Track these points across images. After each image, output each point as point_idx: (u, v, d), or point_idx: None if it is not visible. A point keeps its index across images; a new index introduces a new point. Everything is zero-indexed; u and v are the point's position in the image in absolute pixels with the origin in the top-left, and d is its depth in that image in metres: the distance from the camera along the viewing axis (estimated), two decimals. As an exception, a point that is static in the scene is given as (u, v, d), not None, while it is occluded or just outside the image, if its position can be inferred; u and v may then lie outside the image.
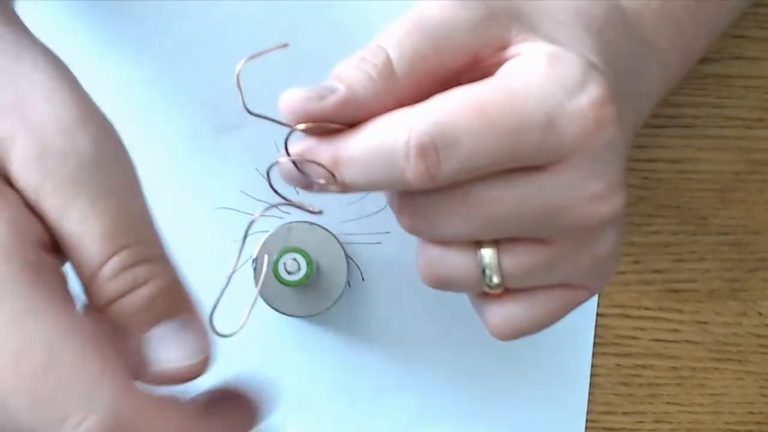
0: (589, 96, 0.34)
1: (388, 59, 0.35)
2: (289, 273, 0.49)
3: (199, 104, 0.52)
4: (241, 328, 0.34)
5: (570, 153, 0.34)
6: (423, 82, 0.35)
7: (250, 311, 0.34)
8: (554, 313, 0.38)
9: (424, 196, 0.36)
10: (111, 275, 0.32)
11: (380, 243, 0.52)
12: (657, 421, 0.54)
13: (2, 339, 0.30)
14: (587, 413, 0.54)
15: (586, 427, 0.54)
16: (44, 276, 0.32)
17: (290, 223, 0.50)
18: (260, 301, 0.50)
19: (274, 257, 0.49)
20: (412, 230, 0.37)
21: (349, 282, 0.52)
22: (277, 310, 0.50)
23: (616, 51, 0.38)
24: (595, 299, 0.53)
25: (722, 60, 0.53)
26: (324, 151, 0.35)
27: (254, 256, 0.49)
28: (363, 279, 0.53)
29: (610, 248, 0.37)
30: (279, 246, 0.49)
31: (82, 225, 0.32)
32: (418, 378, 0.53)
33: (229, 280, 0.34)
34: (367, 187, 0.35)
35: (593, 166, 0.35)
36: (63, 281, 0.33)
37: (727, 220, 0.54)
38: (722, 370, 0.54)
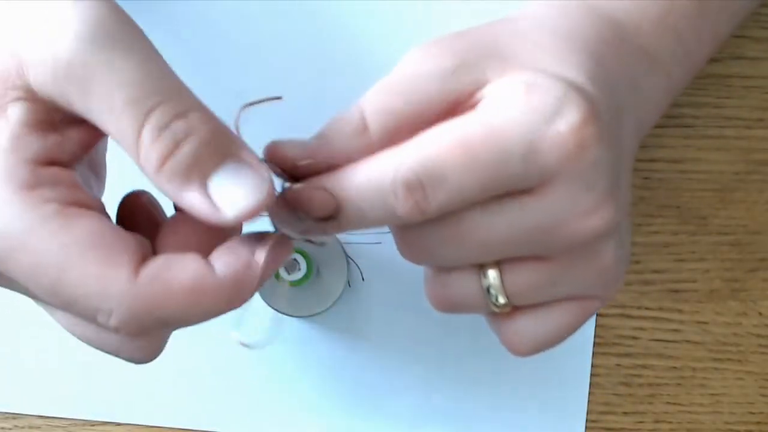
0: (567, 120, 0.35)
1: (362, 118, 0.36)
2: (289, 273, 0.49)
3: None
4: (269, 340, 0.35)
5: (554, 176, 0.35)
6: (399, 135, 0.36)
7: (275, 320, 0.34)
8: (569, 324, 0.39)
9: (419, 228, 0.37)
10: (152, 139, 0.33)
11: (380, 243, 0.52)
12: (657, 421, 0.54)
13: (15, 260, 0.34)
14: (587, 413, 0.54)
15: (586, 427, 0.54)
16: (39, 194, 0.33)
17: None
18: (261, 301, 0.50)
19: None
20: (414, 260, 0.38)
21: (349, 282, 0.52)
22: (277, 310, 0.50)
23: (612, 66, 0.39)
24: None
25: (722, 60, 0.53)
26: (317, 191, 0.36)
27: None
28: (363, 279, 0.53)
29: (612, 258, 0.38)
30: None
31: (107, 101, 0.33)
32: (417, 378, 0.53)
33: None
34: (363, 224, 0.36)
35: (579, 184, 0.35)
36: (70, 185, 0.34)
37: (727, 220, 0.54)
38: (722, 370, 0.54)
